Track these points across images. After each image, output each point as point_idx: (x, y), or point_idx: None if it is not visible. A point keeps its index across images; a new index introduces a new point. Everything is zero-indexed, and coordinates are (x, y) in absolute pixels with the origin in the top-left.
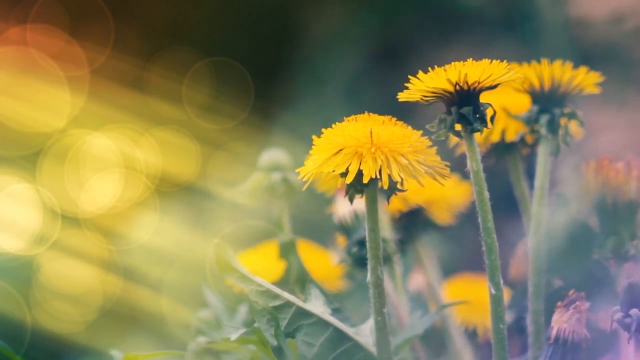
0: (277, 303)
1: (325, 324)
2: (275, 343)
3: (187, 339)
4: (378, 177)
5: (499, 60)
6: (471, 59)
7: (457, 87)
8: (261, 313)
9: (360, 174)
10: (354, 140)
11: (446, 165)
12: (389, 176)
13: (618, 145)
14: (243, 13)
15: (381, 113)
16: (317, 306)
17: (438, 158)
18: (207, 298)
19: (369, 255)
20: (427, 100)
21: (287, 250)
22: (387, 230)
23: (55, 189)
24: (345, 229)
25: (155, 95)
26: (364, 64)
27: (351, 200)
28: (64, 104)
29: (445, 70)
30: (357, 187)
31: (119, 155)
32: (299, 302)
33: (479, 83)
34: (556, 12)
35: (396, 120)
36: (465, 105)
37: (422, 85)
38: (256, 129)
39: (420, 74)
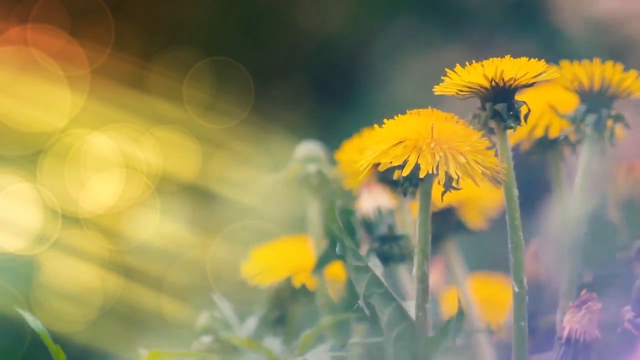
0: (359, 264)
1: (390, 296)
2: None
3: (188, 338)
4: (435, 172)
5: (536, 58)
6: (509, 55)
7: (493, 83)
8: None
9: (416, 167)
10: (415, 133)
11: (503, 169)
12: (446, 173)
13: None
14: (243, 13)
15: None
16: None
17: (496, 160)
18: (216, 302)
19: (416, 250)
20: (462, 95)
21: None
22: (411, 227)
23: (55, 189)
24: (368, 225)
25: (155, 95)
26: (365, 63)
27: (405, 193)
28: (64, 103)
29: (483, 66)
30: (412, 180)
31: (119, 155)
32: (374, 270)
33: (514, 80)
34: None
35: (458, 119)
36: (500, 101)
37: (459, 79)
38: (256, 128)
39: (458, 68)
